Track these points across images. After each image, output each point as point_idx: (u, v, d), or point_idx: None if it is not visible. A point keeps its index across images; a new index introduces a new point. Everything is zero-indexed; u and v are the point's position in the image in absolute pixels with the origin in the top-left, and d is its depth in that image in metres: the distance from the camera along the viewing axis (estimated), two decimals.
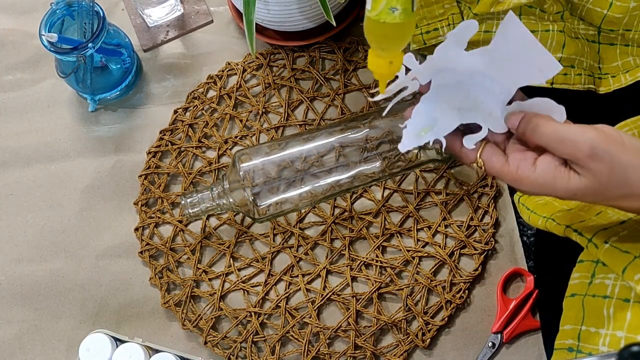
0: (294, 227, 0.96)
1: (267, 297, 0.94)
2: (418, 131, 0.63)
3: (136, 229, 0.98)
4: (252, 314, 0.93)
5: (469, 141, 0.62)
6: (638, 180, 0.54)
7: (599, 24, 0.81)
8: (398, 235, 0.95)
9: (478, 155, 0.61)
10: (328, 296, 0.93)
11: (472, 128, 0.63)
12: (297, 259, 0.95)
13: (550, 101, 0.61)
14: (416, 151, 0.86)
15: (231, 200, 0.87)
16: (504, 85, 0.62)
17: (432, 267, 0.93)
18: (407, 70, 0.63)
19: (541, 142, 0.57)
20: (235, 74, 1.05)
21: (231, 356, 0.92)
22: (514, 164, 0.59)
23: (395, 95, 0.65)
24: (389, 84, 0.64)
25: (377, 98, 0.65)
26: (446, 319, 0.91)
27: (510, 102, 0.62)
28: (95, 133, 1.04)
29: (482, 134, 0.62)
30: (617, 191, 0.54)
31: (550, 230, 0.71)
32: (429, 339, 0.91)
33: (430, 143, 0.63)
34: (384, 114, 0.71)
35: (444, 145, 0.63)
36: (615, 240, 0.60)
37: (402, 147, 0.64)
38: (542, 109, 0.61)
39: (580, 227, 0.65)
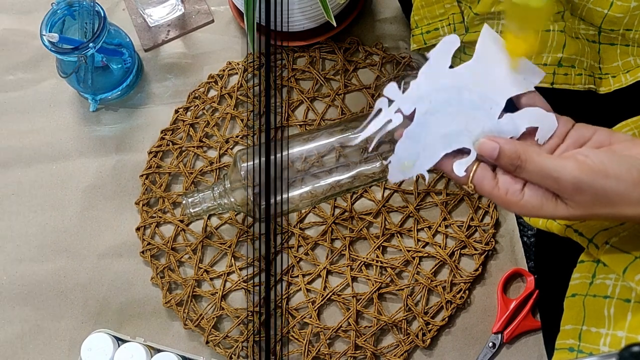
0: (294, 227, 0.96)
1: None
2: (402, 166, 0.63)
3: (137, 229, 0.99)
4: (254, 313, 0.93)
5: (459, 167, 0.61)
6: (621, 203, 0.54)
7: (600, 23, 0.81)
8: (398, 235, 0.95)
9: (469, 180, 0.61)
10: (328, 296, 0.93)
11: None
12: (298, 259, 0.96)
13: (540, 110, 0.61)
14: None
15: (232, 199, 0.88)
16: (493, 98, 0.62)
17: (433, 268, 0.93)
18: (390, 102, 0.62)
19: (527, 178, 0.58)
20: (236, 73, 1.05)
21: (232, 355, 0.93)
22: (504, 188, 0.59)
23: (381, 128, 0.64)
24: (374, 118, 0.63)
25: (359, 139, 0.64)
26: (446, 319, 0.91)
27: (501, 115, 0.62)
28: (96, 133, 1.04)
29: (471, 158, 0.61)
30: (604, 211, 0.55)
31: (550, 230, 0.71)
32: (430, 339, 0.91)
33: (414, 178, 0.62)
34: (369, 149, 0.70)
35: (427, 179, 0.63)
36: (615, 241, 0.60)
37: (391, 179, 0.63)
38: (533, 118, 0.61)
39: (581, 228, 0.65)
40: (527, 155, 0.57)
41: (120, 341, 0.91)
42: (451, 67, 0.63)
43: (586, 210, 0.55)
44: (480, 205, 0.95)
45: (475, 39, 0.85)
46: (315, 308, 0.93)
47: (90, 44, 0.93)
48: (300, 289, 0.94)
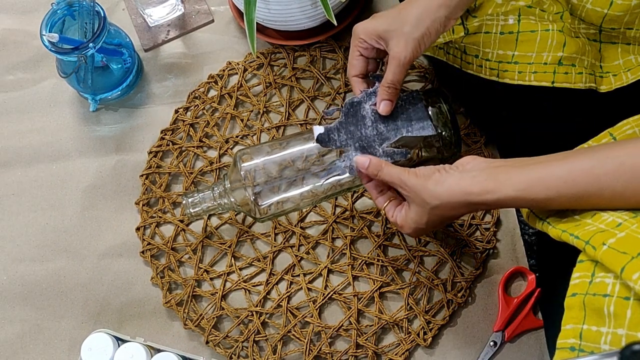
0: (295, 226, 0.96)
1: (268, 296, 0.94)
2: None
3: (137, 229, 0.98)
4: (254, 313, 0.93)
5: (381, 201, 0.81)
6: (430, 199, 0.72)
7: (600, 23, 0.80)
8: (399, 234, 0.95)
9: (384, 206, 0.79)
10: (329, 295, 0.93)
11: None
12: (299, 258, 0.95)
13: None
14: (417, 150, 0.86)
15: (232, 199, 0.87)
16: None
17: (434, 266, 0.93)
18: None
19: (384, 179, 0.77)
20: (236, 73, 1.05)
21: (233, 355, 0.92)
22: (394, 214, 0.78)
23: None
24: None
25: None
26: (448, 317, 0.91)
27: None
28: (96, 133, 1.04)
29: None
30: (431, 205, 0.73)
31: (547, 232, 0.72)
32: (431, 338, 0.91)
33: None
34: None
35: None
36: (613, 243, 0.60)
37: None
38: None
39: (577, 231, 0.65)
40: (384, 166, 0.77)
41: (120, 341, 0.91)
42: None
43: (417, 203, 0.74)
44: None
45: (475, 40, 0.86)
46: (317, 307, 0.93)
47: (90, 44, 0.93)
48: (302, 288, 0.94)
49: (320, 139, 0.82)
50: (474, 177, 0.70)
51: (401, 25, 0.78)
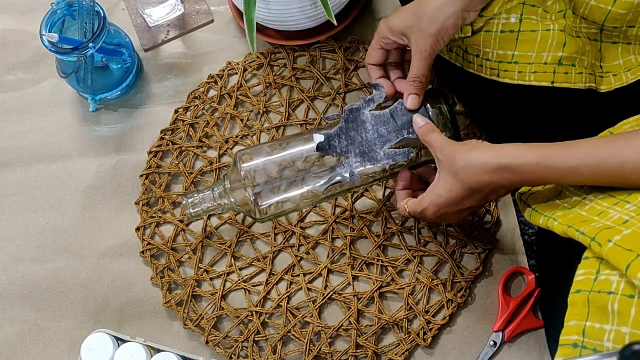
0: (295, 226, 0.96)
1: (268, 296, 0.94)
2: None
3: (137, 229, 0.98)
4: (254, 313, 0.93)
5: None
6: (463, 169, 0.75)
7: (602, 21, 0.80)
8: (399, 234, 0.95)
9: (405, 204, 0.83)
10: (329, 295, 0.93)
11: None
12: (298, 258, 0.95)
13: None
14: (417, 151, 0.86)
15: (232, 200, 0.87)
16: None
17: (434, 266, 0.93)
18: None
19: (431, 143, 0.81)
20: (236, 73, 1.05)
21: (232, 355, 0.92)
22: (406, 204, 0.84)
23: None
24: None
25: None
26: (447, 317, 0.91)
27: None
28: (96, 133, 1.04)
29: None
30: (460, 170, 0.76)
31: (551, 229, 0.71)
32: (430, 338, 0.91)
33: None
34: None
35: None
36: (619, 240, 0.60)
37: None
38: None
39: (583, 227, 0.65)
40: (434, 130, 0.82)
41: (120, 341, 0.91)
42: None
43: (451, 169, 0.76)
44: None
45: (477, 39, 0.86)
46: (316, 307, 0.93)
47: (90, 44, 0.93)
48: (301, 288, 0.94)
49: (320, 147, 0.83)
50: (502, 145, 0.75)
51: (418, 21, 0.81)
